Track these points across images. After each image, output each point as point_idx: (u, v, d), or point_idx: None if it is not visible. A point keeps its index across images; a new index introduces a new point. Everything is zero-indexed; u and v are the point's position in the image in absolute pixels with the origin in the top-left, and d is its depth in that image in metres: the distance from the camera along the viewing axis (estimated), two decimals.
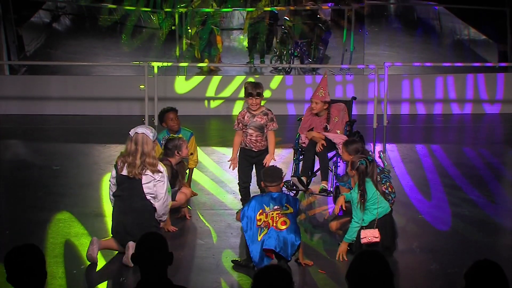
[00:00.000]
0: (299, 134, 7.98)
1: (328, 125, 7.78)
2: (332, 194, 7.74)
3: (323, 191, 7.68)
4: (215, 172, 9.08)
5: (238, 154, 7.59)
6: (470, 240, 7.05)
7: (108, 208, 7.71)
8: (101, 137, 10.66)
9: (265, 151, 7.48)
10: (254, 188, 7.55)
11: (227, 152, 9.69)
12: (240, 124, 7.48)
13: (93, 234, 7.02)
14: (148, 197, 6.38)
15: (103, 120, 11.55)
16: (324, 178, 7.72)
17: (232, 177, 8.77)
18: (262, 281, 3.44)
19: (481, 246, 6.89)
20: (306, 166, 7.78)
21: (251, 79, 11.37)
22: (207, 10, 13.84)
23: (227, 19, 16.26)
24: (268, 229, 6.20)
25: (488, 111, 12.17)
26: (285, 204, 6.27)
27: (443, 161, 9.68)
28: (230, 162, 7.58)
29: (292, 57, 13.71)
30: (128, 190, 6.37)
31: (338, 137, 7.67)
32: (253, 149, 7.46)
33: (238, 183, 7.60)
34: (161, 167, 6.44)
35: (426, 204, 8.00)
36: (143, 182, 6.35)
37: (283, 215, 6.23)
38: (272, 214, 6.22)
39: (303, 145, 7.88)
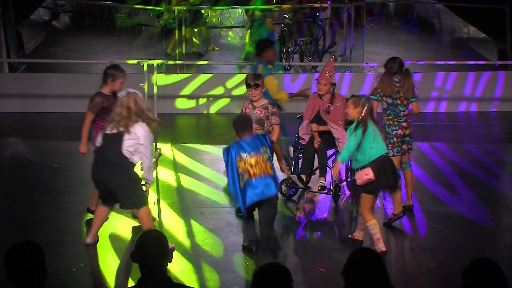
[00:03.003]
0: (298, 133, 7.98)
1: (331, 106, 7.73)
2: (331, 193, 7.76)
3: (322, 188, 7.69)
4: (214, 170, 9.08)
5: None
6: (469, 239, 7.06)
7: None
8: None
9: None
10: None
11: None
12: None
13: None
14: (124, 152, 6.38)
15: None
16: (323, 174, 7.73)
17: None
18: (262, 279, 3.45)
19: (480, 244, 6.90)
20: (305, 164, 7.80)
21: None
22: (208, 8, 13.85)
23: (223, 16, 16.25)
24: (249, 176, 6.38)
25: (486, 109, 12.17)
26: (262, 149, 6.50)
27: (443, 159, 9.68)
28: None
29: (292, 55, 13.71)
30: (107, 146, 6.45)
31: (340, 132, 7.69)
32: None
33: None
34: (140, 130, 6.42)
35: (426, 202, 8.00)
36: (127, 137, 6.35)
37: (267, 160, 6.51)
38: (251, 161, 6.41)
39: (302, 142, 7.89)
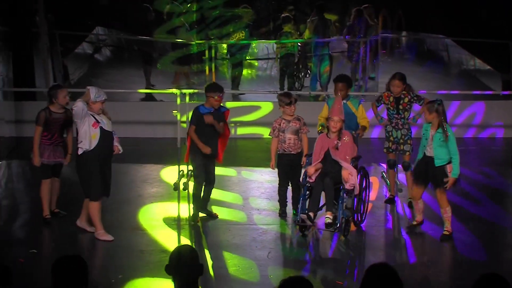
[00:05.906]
0: (305, 172, 7.42)
1: (339, 142, 7.30)
2: (338, 230, 7.14)
3: (329, 225, 7.07)
4: (241, 190, 9.09)
5: (277, 161, 7.87)
6: (479, 254, 6.98)
7: (144, 222, 7.78)
8: (138, 157, 10.74)
9: (302, 153, 7.80)
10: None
11: (251, 172, 9.74)
12: (276, 130, 7.82)
13: (130, 246, 7.08)
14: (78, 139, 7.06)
15: (140, 142, 11.63)
16: (329, 209, 7.15)
17: (256, 195, 8.80)
18: None
19: (490, 259, 6.83)
20: (314, 201, 7.25)
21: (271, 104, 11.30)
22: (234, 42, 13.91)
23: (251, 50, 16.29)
24: None
25: (492, 136, 12.08)
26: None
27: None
28: (271, 165, 7.93)
29: (303, 79, 13.72)
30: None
31: (349, 168, 7.20)
32: (292, 152, 7.75)
33: (279, 185, 7.95)
34: (77, 105, 7.13)
35: (435, 218, 7.91)
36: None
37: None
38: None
39: (310, 180, 7.33)
